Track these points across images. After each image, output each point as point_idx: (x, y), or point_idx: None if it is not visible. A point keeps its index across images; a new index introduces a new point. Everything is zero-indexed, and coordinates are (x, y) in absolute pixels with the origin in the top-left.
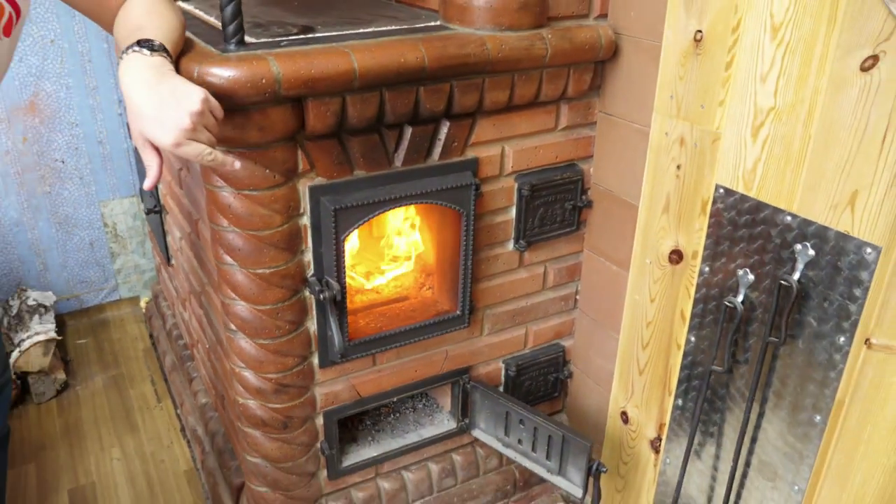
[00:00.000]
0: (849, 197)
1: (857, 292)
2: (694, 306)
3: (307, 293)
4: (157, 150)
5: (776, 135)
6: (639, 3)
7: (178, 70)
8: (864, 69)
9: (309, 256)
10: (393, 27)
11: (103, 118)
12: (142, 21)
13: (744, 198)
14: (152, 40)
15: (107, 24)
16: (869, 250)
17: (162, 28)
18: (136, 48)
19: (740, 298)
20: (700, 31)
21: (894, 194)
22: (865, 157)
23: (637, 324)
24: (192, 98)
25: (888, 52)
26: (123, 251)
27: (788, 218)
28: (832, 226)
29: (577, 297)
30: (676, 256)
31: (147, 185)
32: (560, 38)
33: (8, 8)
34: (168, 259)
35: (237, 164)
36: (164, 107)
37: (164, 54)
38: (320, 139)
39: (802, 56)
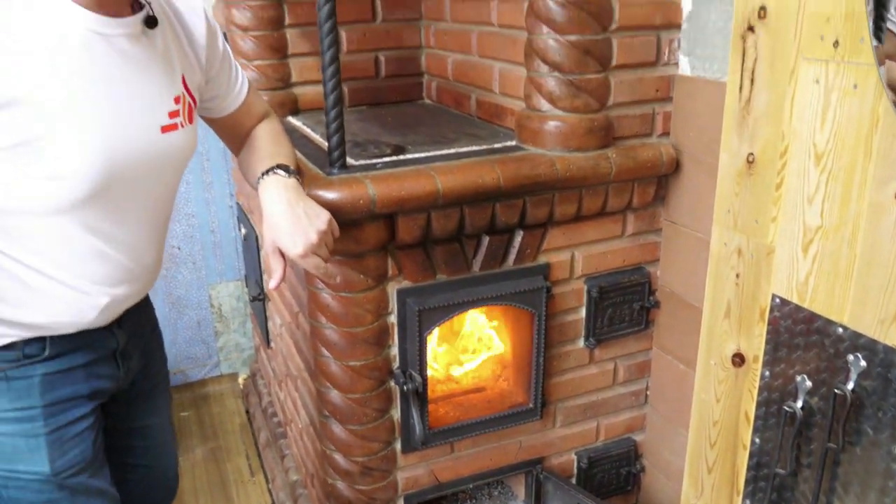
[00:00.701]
0: (894, 314)
1: None
2: (757, 409)
3: (392, 384)
4: (283, 256)
5: (825, 251)
6: (697, 125)
7: None
8: None
9: (395, 351)
10: (474, 147)
11: (216, 209)
12: (272, 148)
13: (798, 308)
14: (288, 165)
15: (236, 148)
16: None
17: (289, 155)
18: (277, 171)
19: (799, 404)
20: (752, 154)
21: None
22: None
23: (704, 422)
24: (321, 219)
25: None
26: (226, 330)
27: (840, 329)
28: (881, 339)
29: (648, 392)
30: (739, 359)
31: (272, 285)
32: (624, 157)
33: (187, 98)
34: (268, 342)
35: (338, 279)
36: (299, 224)
37: (297, 177)
38: (408, 248)
39: (844, 183)
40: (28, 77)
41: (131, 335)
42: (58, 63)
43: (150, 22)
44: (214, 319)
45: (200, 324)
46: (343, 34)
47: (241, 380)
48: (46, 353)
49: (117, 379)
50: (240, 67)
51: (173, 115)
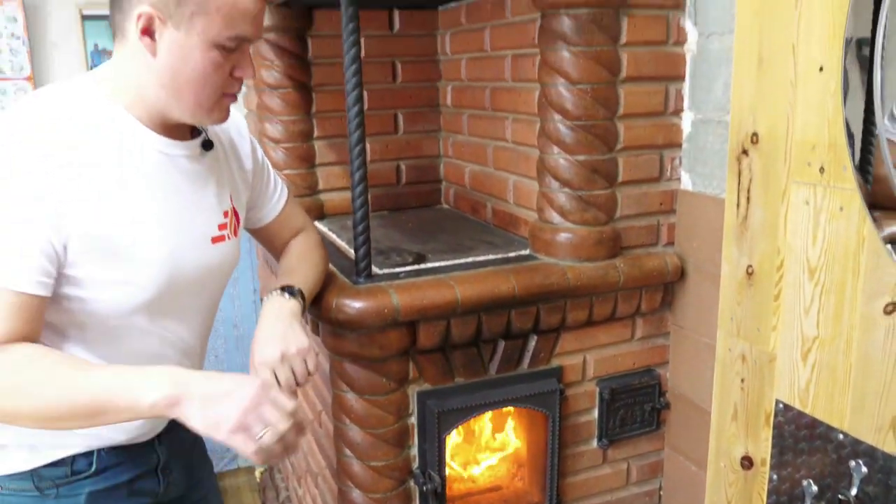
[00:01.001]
0: (889, 421)
1: None
2: None
3: (412, 484)
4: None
5: (822, 361)
6: (699, 236)
7: (319, 300)
8: (886, 313)
9: (415, 451)
10: (490, 256)
11: (240, 304)
12: (294, 265)
13: (801, 414)
14: (293, 286)
15: (275, 257)
16: None
17: (307, 275)
18: (279, 292)
19: None
20: (751, 266)
21: None
22: None
23: None
24: (295, 344)
25: None
26: None
27: (841, 436)
28: (879, 446)
29: (661, 493)
30: (747, 462)
31: None
32: (631, 266)
33: (233, 213)
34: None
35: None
36: (272, 339)
37: (300, 299)
38: (428, 353)
39: (836, 296)
40: (104, 192)
41: (171, 449)
42: (130, 180)
43: (207, 145)
44: None
45: None
46: (368, 145)
47: (257, 473)
48: (94, 468)
49: (157, 495)
50: (280, 181)
51: (222, 227)
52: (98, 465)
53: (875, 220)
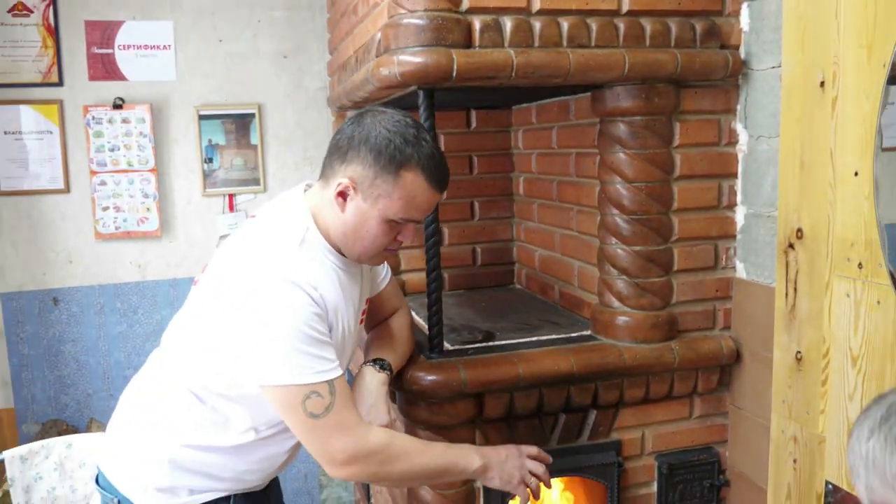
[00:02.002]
0: None
1: None
2: None
3: None
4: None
5: None
6: (753, 321)
7: (403, 372)
8: None
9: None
10: (553, 336)
11: None
12: (387, 341)
13: (849, 495)
14: (384, 360)
15: (368, 329)
16: None
17: (397, 351)
18: (372, 364)
19: None
20: (800, 352)
21: None
22: None
23: None
24: (379, 418)
25: None
26: (330, 484)
27: None
28: None
29: None
30: None
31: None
32: (686, 349)
33: (365, 305)
34: (368, 498)
35: None
36: (367, 410)
37: (388, 373)
38: (493, 422)
39: (878, 382)
40: (332, 305)
41: (273, 495)
42: (333, 293)
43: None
44: (320, 473)
45: (307, 476)
46: (446, 230)
47: None
48: None
49: None
50: (387, 266)
51: (362, 314)
52: None
53: None
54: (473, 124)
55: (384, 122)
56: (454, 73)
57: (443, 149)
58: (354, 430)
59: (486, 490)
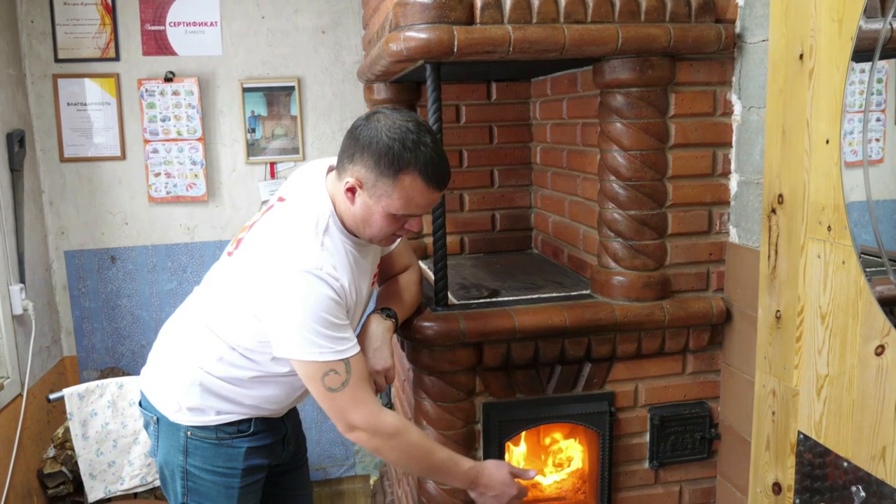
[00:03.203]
0: (881, 451)
1: None
2: None
3: None
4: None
5: (831, 396)
6: (743, 283)
7: (410, 322)
8: (877, 354)
9: (480, 453)
10: (554, 294)
11: None
12: (395, 292)
13: (816, 444)
14: (391, 309)
15: (380, 281)
16: None
17: (404, 303)
18: (380, 312)
19: None
20: (779, 311)
21: None
22: (887, 421)
23: None
24: (382, 361)
25: (890, 344)
26: None
27: (845, 463)
28: (873, 473)
29: None
30: (777, 488)
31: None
32: (676, 308)
33: (376, 270)
34: None
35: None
36: (372, 353)
37: (394, 321)
38: (492, 370)
39: (841, 338)
40: (349, 286)
41: (290, 426)
42: (349, 271)
43: None
44: None
45: None
46: (466, 197)
47: (371, 481)
48: (251, 430)
49: (280, 456)
50: None
51: (374, 277)
52: (254, 428)
53: (868, 276)
54: (494, 96)
55: (388, 127)
56: (455, 48)
57: (464, 119)
58: (368, 405)
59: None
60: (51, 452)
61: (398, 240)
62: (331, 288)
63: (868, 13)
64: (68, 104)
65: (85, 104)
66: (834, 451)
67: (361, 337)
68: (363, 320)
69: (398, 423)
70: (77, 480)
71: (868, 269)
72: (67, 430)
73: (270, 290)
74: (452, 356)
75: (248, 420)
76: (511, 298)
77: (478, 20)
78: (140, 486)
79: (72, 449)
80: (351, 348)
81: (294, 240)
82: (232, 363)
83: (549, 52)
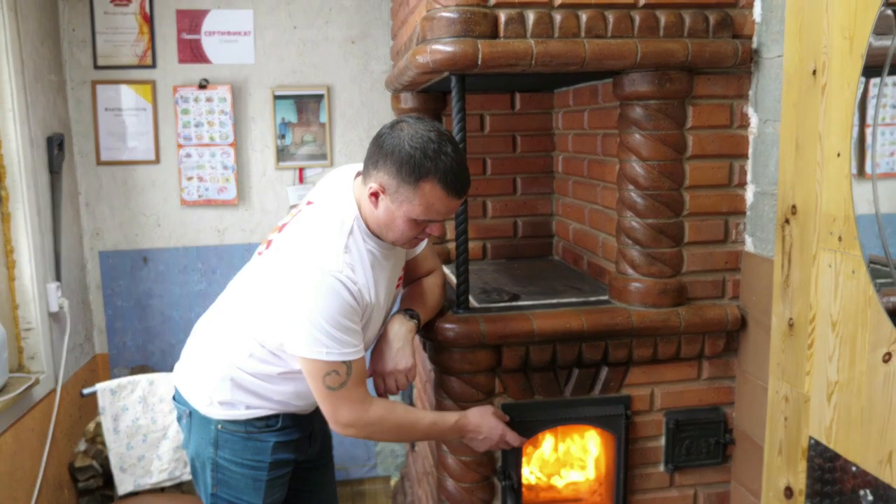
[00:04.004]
0: (888, 455)
1: None
2: None
3: (495, 479)
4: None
5: (841, 402)
6: (756, 290)
7: (433, 324)
8: (885, 361)
9: (498, 454)
10: (572, 299)
11: None
12: (419, 295)
13: (826, 449)
14: (414, 310)
15: (407, 281)
16: None
17: (427, 305)
18: (404, 313)
19: None
20: (792, 319)
21: None
22: (893, 426)
23: None
24: (401, 362)
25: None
26: None
27: (854, 468)
28: (880, 477)
29: None
30: (789, 492)
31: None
32: (692, 314)
33: (401, 273)
34: (413, 446)
35: None
36: (394, 353)
37: (416, 322)
38: (511, 372)
39: (850, 346)
40: (368, 288)
41: (317, 424)
42: (371, 273)
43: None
44: None
45: None
46: (489, 204)
47: (392, 482)
48: (279, 425)
49: (307, 452)
50: None
51: (399, 279)
52: (282, 423)
53: (876, 286)
54: (518, 106)
55: (410, 136)
56: (479, 61)
57: (488, 129)
58: (360, 405)
59: (503, 489)
60: (81, 447)
61: (422, 244)
62: (348, 291)
63: (878, 30)
64: (106, 109)
65: (122, 109)
66: (843, 455)
67: (384, 336)
68: (387, 321)
69: (381, 410)
70: (106, 474)
71: (878, 280)
72: (98, 425)
73: (289, 286)
74: (473, 358)
75: (277, 415)
76: (530, 303)
77: (501, 34)
78: (168, 479)
79: (102, 444)
80: (356, 352)
81: (318, 241)
82: (261, 359)
83: (570, 65)
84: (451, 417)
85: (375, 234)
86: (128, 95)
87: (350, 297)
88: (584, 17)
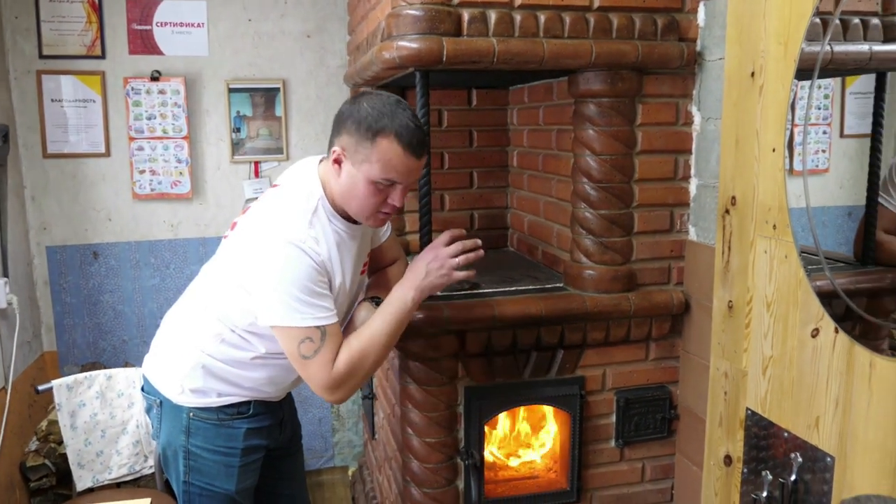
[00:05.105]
0: (815, 421)
1: (825, 488)
2: (741, 499)
3: (458, 460)
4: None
5: (774, 375)
6: (699, 276)
7: None
8: (813, 336)
9: (461, 434)
10: (530, 287)
11: None
12: (384, 283)
13: (762, 418)
14: (380, 298)
15: (372, 271)
16: (828, 459)
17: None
18: (370, 301)
19: (764, 494)
20: (731, 301)
21: (839, 421)
22: (820, 394)
23: None
24: None
25: (823, 327)
26: (342, 428)
27: (786, 434)
28: (809, 441)
29: (673, 492)
30: (728, 460)
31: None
32: (641, 299)
33: (366, 259)
34: (373, 434)
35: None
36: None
37: None
38: (474, 356)
39: (783, 324)
40: (334, 260)
41: (287, 411)
42: (336, 251)
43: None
44: (333, 418)
45: (321, 421)
46: (447, 197)
47: (350, 472)
48: (250, 412)
49: (278, 439)
50: (390, 224)
51: (364, 265)
52: (253, 410)
53: (806, 269)
54: (474, 102)
55: (370, 100)
56: (444, 58)
57: (446, 124)
58: (333, 367)
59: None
60: (33, 446)
61: (387, 229)
62: (312, 260)
63: (809, 37)
64: (52, 100)
65: (70, 101)
66: (777, 423)
67: (351, 324)
68: (354, 309)
69: (344, 353)
70: (60, 473)
71: (809, 267)
72: (51, 423)
73: (256, 259)
74: (437, 343)
75: (248, 402)
76: (491, 290)
77: (465, 32)
78: (128, 474)
79: (55, 442)
80: (329, 316)
81: (282, 216)
82: (232, 344)
83: (530, 63)
84: (397, 299)
85: (340, 209)
86: (75, 86)
87: (312, 261)
88: (542, 17)
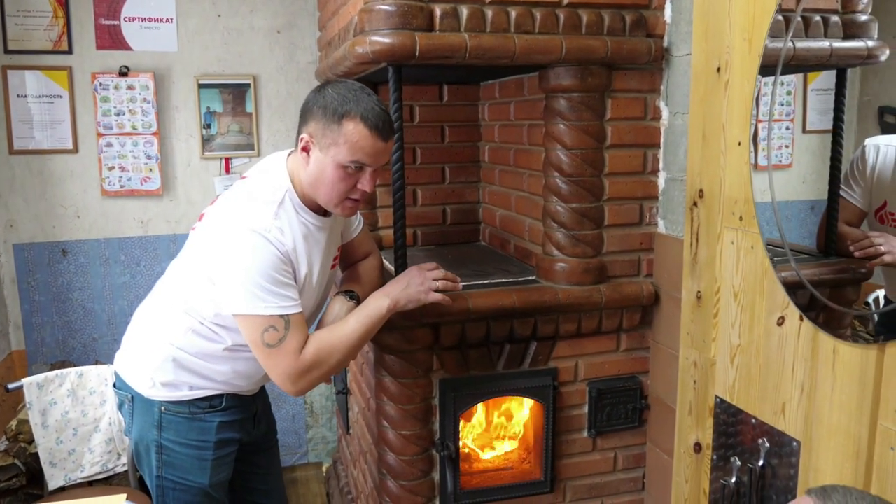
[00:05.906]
0: (781, 407)
1: (791, 472)
2: (710, 485)
3: (434, 451)
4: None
5: (742, 363)
6: (668, 268)
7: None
8: (779, 324)
9: (437, 426)
10: (503, 280)
11: None
12: (357, 277)
13: (730, 405)
14: (353, 291)
15: (343, 268)
16: (794, 443)
17: (365, 286)
18: (344, 294)
19: (733, 479)
20: (699, 292)
21: (804, 406)
22: (786, 381)
23: (679, 501)
24: None
25: (789, 315)
26: (315, 424)
27: (754, 420)
28: (775, 426)
29: (644, 480)
30: (698, 447)
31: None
32: (612, 291)
33: (336, 252)
34: (347, 429)
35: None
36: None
37: (356, 302)
38: (448, 349)
39: (750, 312)
40: (301, 252)
41: (261, 405)
42: (303, 243)
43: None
44: (306, 414)
45: (294, 417)
46: (419, 192)
47: (324, 468)
48: (223, 405)
49: (251, 433)
50: (361, 218)
51: (335, 259)
52: (225, 403)
53: (772, 259)
54: (446, 98)
55: (335, 87)
56: (416, 53)
57: (417, 119)
58: (296, 354)
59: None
60: (2, 446)
61: (357, 220)
62: (277, 249)
63: (772, 33)
64: (18, 96)
65: (36, 97)
66: (745, 410)
67: (325, 318)
68: (328, 303)
69: (311, 346)
70: (30, 473)
71: (775, 258)
72: (21, 422)
73: (220, 248)
74: (411, 336)
75: (220, 395)
76: (464, 283)
77: (437, 28)
78: (101, 472)
79: (25, 441)
80: (293, 306)
81: (248, 206)
82: (203, 336)
83: (502, 58)
84: (371, 305)
85: (310, 201)
86: (42, 82)
87: (276, 251)
88: (513, 13)
